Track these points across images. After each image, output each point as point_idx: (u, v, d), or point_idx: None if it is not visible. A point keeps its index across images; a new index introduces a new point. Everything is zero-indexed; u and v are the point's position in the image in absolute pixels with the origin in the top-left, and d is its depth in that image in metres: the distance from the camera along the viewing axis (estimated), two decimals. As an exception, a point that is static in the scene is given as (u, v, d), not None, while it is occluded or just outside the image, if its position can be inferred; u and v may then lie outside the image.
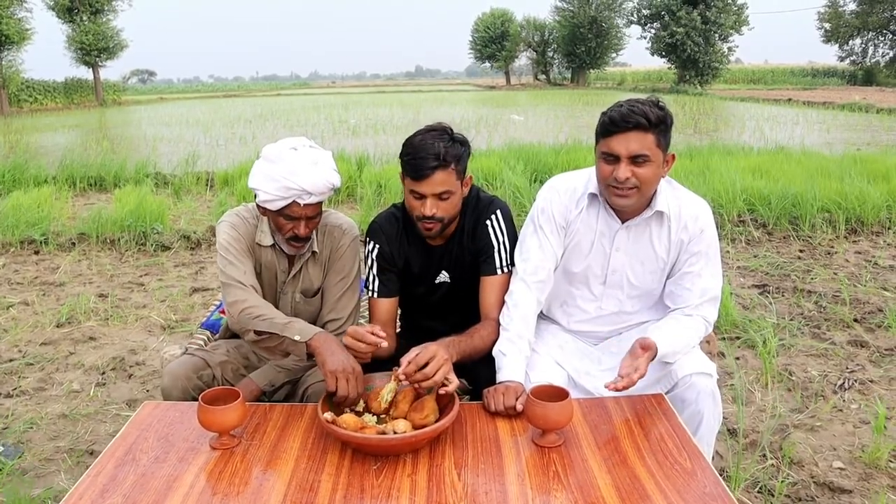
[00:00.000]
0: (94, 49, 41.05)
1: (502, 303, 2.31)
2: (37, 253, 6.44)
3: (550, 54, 64.21)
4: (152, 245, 6.50)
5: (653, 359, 2.04)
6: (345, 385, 1.98)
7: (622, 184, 2.08)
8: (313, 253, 2.45)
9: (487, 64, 67.94)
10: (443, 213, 2.24)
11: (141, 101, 47.65)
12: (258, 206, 2.33)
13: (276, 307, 2.49)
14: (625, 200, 2.12)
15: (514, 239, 2.39)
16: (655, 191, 2.18)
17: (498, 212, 2.40)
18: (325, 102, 35.38)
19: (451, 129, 2.28)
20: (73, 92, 42.12)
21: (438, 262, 2.44)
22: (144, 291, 5.37)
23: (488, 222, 2.38)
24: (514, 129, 16.61)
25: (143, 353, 4.18)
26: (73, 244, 6.58)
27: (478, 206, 2.40)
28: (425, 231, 2.29)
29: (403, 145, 2.26)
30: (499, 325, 2.27)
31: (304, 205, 2.23)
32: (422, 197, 2.22)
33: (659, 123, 2.05)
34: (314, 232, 2.42)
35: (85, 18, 41.12)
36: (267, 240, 2.42)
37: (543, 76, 65.95)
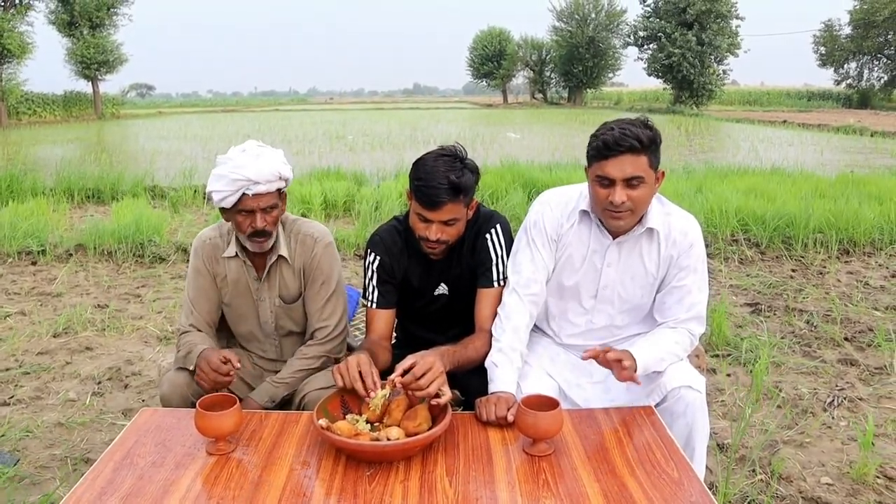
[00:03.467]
0: (93, 63, 41.22)
1: (495, 312, 2.34)
2: (34, 264, 6.47)
3: (548, 73, 64.56)
4: (149, 257, 6.53)
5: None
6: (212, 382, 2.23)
7: (618, 207, 2.11)
8: (281, 257, 2.49)
9: (485, 82, 68.23)
10: (447, 237, 2.29)
11: (139, 114, 47.86)
12: (221, 211, 2.40)
13: (256, 315, 2.56)
14: (620, 222, 2.16)
15: (510, 251, 2.42)
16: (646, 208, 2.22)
17: (497, 226, 2.44)
18: (323, 118, 35.53)
19: (464, 154, 2.29)
20: (72, 105, 42.29)
21: (438, 275, 2.48)
22: (141, 303, 5.40)
23: (488, 236, 2.42)
24: (511, 147, 16.71)
25: (140, 363, 4.20)
26: (71, 255, 6.62)
27: (478, 219, 2.44)
28: (428, 250, 2.33)
29: (414, 166, 2.27)
30: (492, 336, 2.30)
31: (254, 195, 2.29)
32: (428, 221, 2.25)
33: (650, 144, 2.08)
34: (281, 235, 2.47)
35: (85, 32, 41.30)
36: (231, 251, 2.49)
37: (540, 95, 66.28)
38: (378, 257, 2.45)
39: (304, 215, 8.02)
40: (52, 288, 5.73)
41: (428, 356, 2.01)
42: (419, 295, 2.49)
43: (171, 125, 31.71)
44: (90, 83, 43.00)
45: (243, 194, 2.28)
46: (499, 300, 2.36)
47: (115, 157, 15.48)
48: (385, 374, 2.14)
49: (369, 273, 2.47)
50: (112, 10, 42.15)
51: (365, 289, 2.50)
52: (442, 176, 2.18)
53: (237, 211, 2.34)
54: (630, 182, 2.08)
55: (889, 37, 51.18)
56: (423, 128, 26.11)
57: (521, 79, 69.66)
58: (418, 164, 2.26)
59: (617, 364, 2.00)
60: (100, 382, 3.93)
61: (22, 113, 37.04)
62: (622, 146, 2.05)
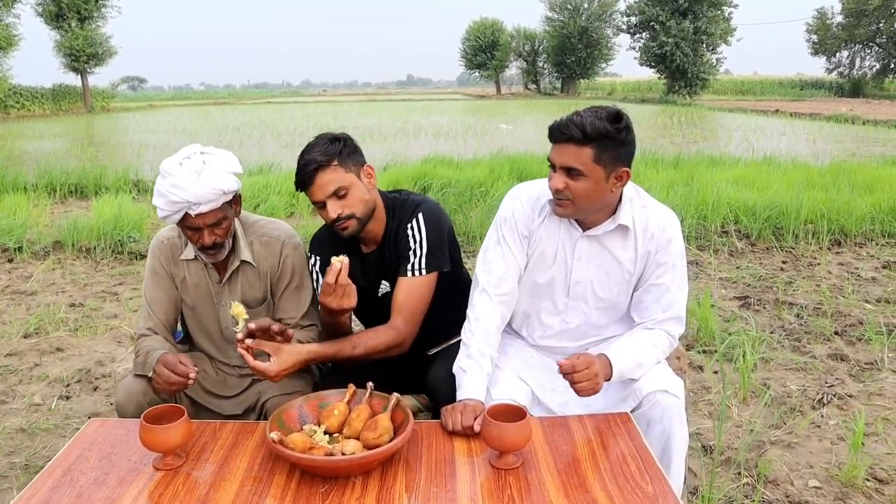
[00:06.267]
0: (82, 55, 40.86)
1: (410, 304, 2.27)
2: (10, 261, 6.32)
3: (540, 64, 64.40)
4: (128, 254, 6.40)
5: (609, 378, 1.98)
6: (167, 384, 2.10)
7: (556, 194, 2.02)
8: (244, 262, 2.38)
9: (478, 73, 67.99)
10: (349, 210, 2.20)
11: (130, 108, 47.38)
12: None
13: (217, 320, 2.45)
14: (560, 210, 2.06)
15: (436, 240, 2.32)
16: (620, 203, 2.11)
17: (420, 214, 2.34)
18: (316, 111, 35.30)
19: (338, 137, 2.26)
20: (62, 98, 41.85)
21: (375, 271, 2.40)
22: (117, 301, 5.27)
23: (409, 226, 2.33)
24: (503, 139, 16.59)
25: (111, 364, 4.08)
26: (48, 252, 6.47)
27: (403, 208, 2.37)
28: (343, 232, 2.25)
29: None
30: (393, 329, 2.24)
31: (197, 215, 2.16)
32: (322, 205, 2.20)
33: (600, 138, 1.95)
34: (241, 238, 2.37)
35: (73, 24, 40.93)
36: (189, 253, 2.38)
37: (533, 86, 66.11)
38: (319, 259, 2.40)
39: (291, 213, 7.91)
40: (26, 286, 5.59)
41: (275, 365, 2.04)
42: (365, 295, 2.38)
43: (161, 118, 31.46)
44: (79, 76, 42.64)
45: (186, 213, 2.17)
46: (412, 290, 2.28)
47: (101, 151, 15.32)
48: (347, 375, 2.07)
49: (314, 276, 2.42)
50: (100, 1, 41.79)
51: (315, 293, 2.41)
52: (307, 157, 2.19)
53: (184, 226, 2.23)
54: (569, 172, 1.99)
55: (881, 25, 51.11)
56: (414, 120, 25.96)
57: (514, 69, 69.51)
58: None
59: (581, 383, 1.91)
60: (68, 385, 3.80)
61: (10, 106, 36.62)
62: (563, 134, 1.97)
